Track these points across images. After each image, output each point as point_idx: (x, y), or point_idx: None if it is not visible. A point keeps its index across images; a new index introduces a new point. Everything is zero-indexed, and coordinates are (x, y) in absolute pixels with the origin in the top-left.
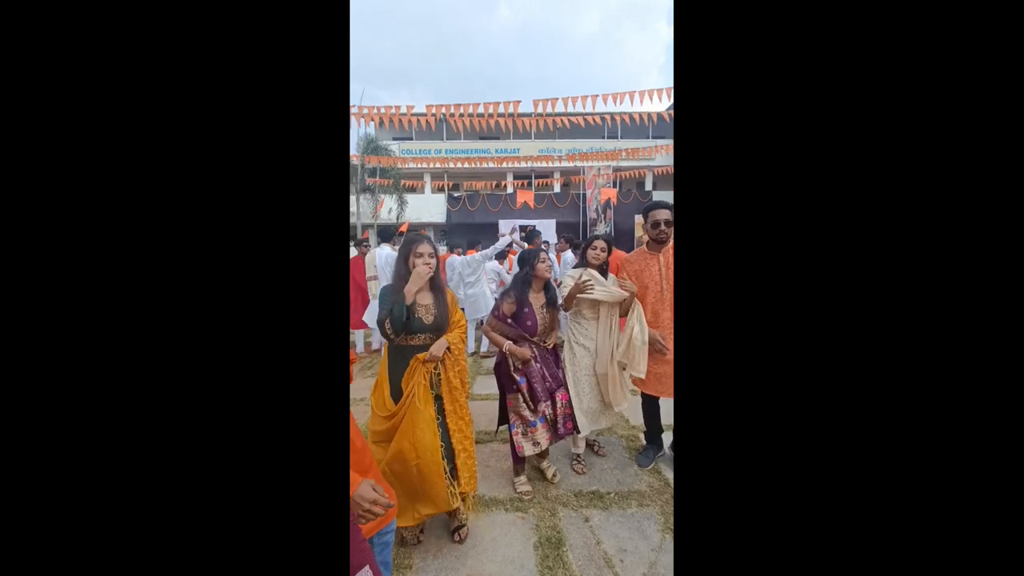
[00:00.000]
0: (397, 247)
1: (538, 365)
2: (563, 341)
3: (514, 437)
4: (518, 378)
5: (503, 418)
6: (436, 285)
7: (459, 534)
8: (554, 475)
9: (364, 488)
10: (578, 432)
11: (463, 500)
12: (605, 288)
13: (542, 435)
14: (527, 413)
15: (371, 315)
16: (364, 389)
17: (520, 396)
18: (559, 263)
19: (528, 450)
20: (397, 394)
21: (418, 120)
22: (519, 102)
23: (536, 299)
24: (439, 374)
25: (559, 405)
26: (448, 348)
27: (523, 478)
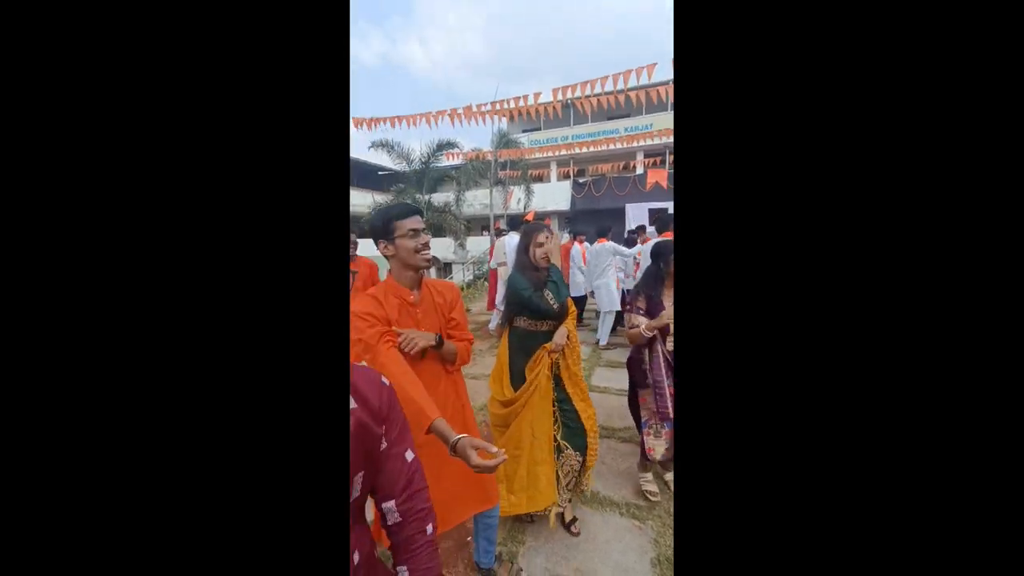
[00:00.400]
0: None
1: (660, 379)
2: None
3: (645, 437)
4: (652, 374)
5: (635, 416)
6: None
7: (575, 527)
8: (671, 479)
9: (463, 444)
10: None
11: (586, 471)
12: None
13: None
14: (662, 412)
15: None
16: (485, 367)
17: (654, 392)
18: None
19: (659, 453)
20: (518, 380)
21: (544, 109)
22: (655, 65)
23: (670, 297)
24: (558, 361)
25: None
26: (568, 336)
27: (650, 475)
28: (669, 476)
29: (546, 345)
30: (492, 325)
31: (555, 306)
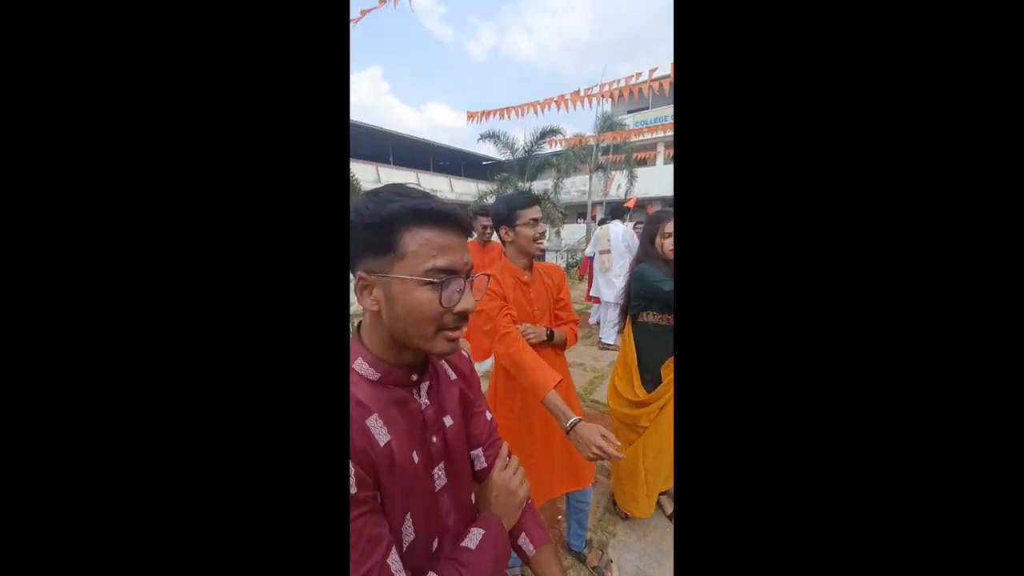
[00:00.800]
0: (626, 223)
1: None
2: None
3: None
4: None
5: None
6: None
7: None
8: None
9: (591, 432)
10: None
11: None
12: None
13: None
14: None
15: (609, 289)
16: (583, 355)
17: None
18: None
19: None
20: (651, 381)
21: (650, 86)
22: None
23: None
24: None
25: None
26: None
27: None
28: None
29: None
30: (593, 320)
31: None
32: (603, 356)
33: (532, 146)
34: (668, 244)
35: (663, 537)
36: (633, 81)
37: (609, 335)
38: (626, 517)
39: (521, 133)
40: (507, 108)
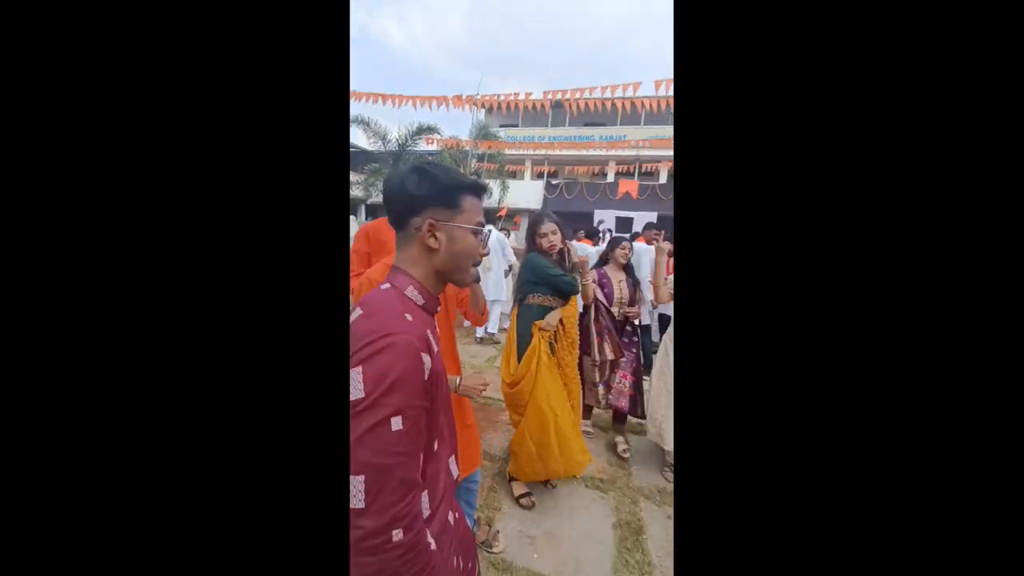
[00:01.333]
0: (499, 229)
1: (608, 327)
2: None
3: (589, 392)
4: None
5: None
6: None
7: (550, 483)
8: (624, 451)
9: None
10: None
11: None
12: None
13: (603, 398)
14: (593, 375)
15: (494, 287)
16: (461, 352)
17: (589, 358)
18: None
19: (591, 402)
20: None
21: (525, 105)
22: (639, 84)
23: (615, 275)
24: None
25: (617, 380)
26: (561, 320)
27: (588, 422)
28: (619, 439)
29: (537, 322)
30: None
31: (576, 284)
32: (481, 352)
33: (407, 140)
34: (546, 243)
35: (542, 499)
36: (512, 98)
37: (494, 325)
38: (555, 486)
39: (395, 126)
40: (382, 95)
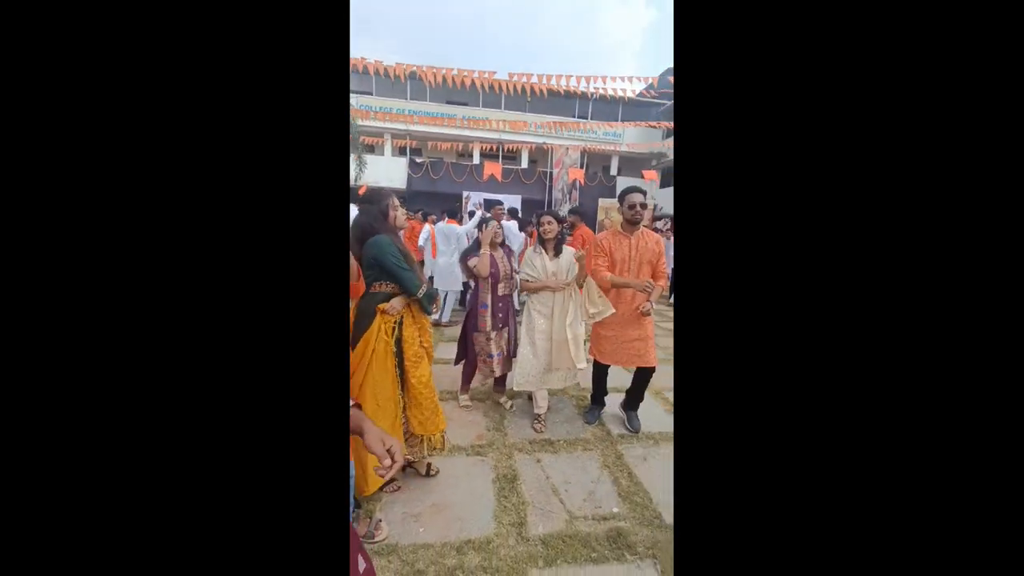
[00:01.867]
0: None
1: (499, 303)
2: (523, 305)
3: (483, 365)
4: (481, 307)
5: (464, 356)
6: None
7: (431, 468)
8: (511, 406)
9: (371, 438)
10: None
11: (421, 441)
12: (537, 278)
13: (497, 367)
14: (489, 347)
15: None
16: None
17: (483, 334)
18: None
19: (485, 374)
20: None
21: (385, 70)
22: (494, 72)
23: (496, 253)
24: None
25: (509, 343)
26: (409, 305)
27: (466, 396)
28: (503, 399)
29: (381, 305)
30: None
31: (419, 288)
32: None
33: None
34: (400, 217)
35: (421, 484)
36: (361, 61)
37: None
38: (398, 488)
39: None
40: None
